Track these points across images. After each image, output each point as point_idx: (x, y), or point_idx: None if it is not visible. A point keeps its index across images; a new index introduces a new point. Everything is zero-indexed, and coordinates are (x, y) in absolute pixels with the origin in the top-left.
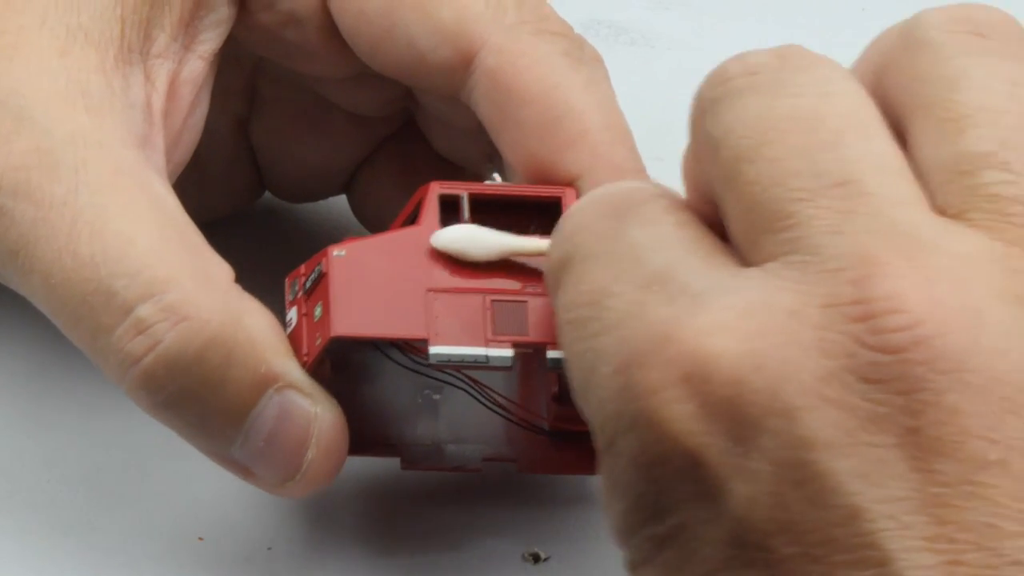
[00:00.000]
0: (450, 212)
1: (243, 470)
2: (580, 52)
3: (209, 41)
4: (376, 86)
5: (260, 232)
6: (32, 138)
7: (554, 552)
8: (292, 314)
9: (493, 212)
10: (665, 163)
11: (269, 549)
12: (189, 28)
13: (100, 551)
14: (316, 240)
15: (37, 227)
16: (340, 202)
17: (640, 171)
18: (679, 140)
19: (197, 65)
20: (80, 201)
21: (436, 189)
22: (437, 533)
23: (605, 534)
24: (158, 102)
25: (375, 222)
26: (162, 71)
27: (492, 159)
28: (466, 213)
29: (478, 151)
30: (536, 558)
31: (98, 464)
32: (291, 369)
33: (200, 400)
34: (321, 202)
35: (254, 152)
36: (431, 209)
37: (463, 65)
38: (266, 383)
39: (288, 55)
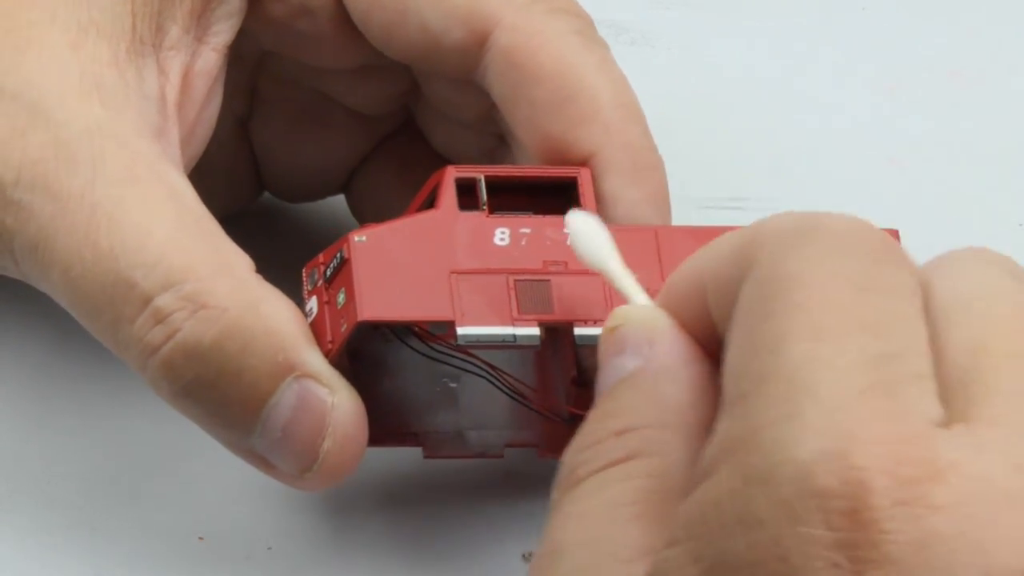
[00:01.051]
0: (467, 195)
1: (262, 462)
2: (592, 31)
3: (222, 33)
4: (380, 80)
5: (258, 232)
6: (48, 132)
7: None
8: (312, 304)
9: (509, 194)
10: (664, 162)
11: (269, 549)
12: (201, 20)
13: (100, 551)
14: (314, 240)
15: (56, 220)
16: (338, 202)
17: (652, 149)
18: (679, 139)
19: (211, 57)
20: (97, 193)
21: (452, 173)
22: (437, 532)
23: None
24: (172, 94)
25: (373, 222)
26: (175, 63)
27: (492, 156)
28: (483, 195)
29: (478, 147)
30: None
31: (98, 464)
32: (310, 358)
33: (217, 389)
34: (320, 202)
35: (254, 151)
36: (448, 192)
37: (477, 46)
38: (284, 372)
39: (298, 46)
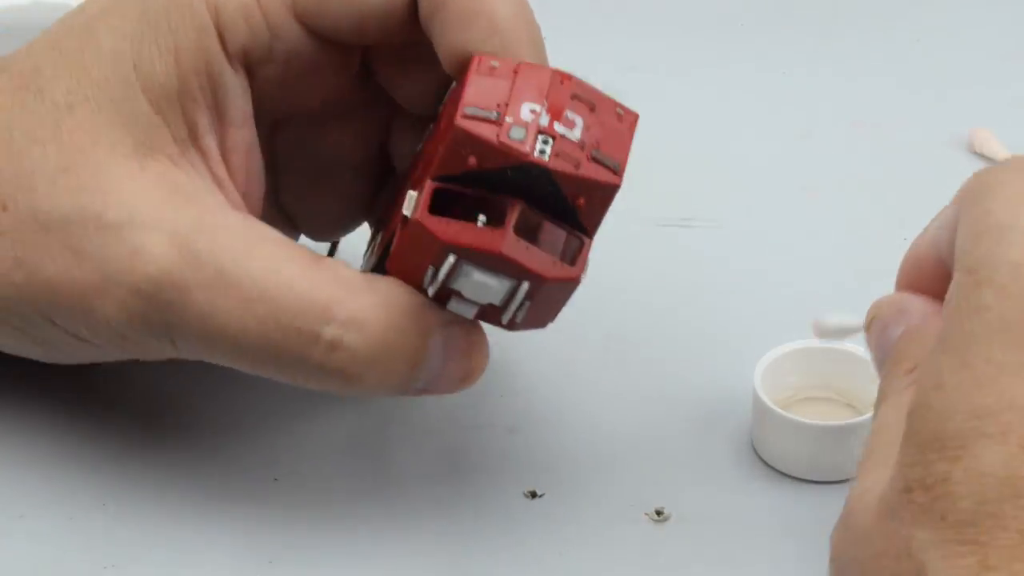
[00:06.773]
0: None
1: (421, 392)
2: None
3: (238, 108)
4: (361, 125)
5: None
6: (162, 242)
7: (548, 489)
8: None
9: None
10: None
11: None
12: (219, 107)
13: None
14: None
15: (214, 306)
16: None
17: (538, 41)
18: (637, 168)
19: (239, 131)
20: (235, 273)
21: (483, 60)
22: (445, 476)
23: (591, 474)
24: (220, 172)
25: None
26: (211, 147)
27: (440, 97)
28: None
29: (434, 92)
30: (533, 495)
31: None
32: (437, 315)
33: (393, 372)
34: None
35: (284, 210)
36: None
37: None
38: (427, 334)
39: (295, 86)
